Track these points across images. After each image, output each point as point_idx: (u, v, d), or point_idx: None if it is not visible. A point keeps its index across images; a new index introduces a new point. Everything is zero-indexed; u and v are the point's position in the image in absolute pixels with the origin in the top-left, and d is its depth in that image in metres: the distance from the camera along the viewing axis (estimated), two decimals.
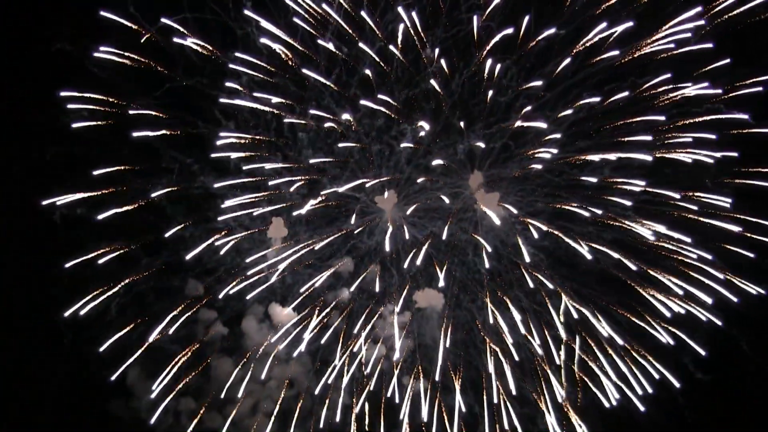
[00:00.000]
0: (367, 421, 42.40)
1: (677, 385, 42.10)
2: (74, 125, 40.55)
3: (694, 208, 41.72)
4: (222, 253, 42.49)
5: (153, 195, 41.76)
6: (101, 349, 41.44)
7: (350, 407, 42.49)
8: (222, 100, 41.47)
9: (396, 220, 43.11)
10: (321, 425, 42.52)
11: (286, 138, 42.81)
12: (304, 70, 41.61)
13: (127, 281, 41.88)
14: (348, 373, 42.39)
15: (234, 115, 42.18)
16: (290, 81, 41.93)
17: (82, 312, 40.95)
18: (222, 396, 42.66)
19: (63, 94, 40.51)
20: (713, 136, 41.20)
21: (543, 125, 41.96)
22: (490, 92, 42.30)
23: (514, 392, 42.40)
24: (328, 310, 43.52)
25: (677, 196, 41.64)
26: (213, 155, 41.82)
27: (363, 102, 41.79)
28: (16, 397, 43.27)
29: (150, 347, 41.86)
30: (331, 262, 43.55)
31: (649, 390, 42.13)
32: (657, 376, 42.22)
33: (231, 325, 43.92)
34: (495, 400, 42.49)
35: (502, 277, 43.60)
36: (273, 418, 42.87)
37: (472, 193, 43.27)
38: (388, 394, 42.51)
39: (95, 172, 40.91)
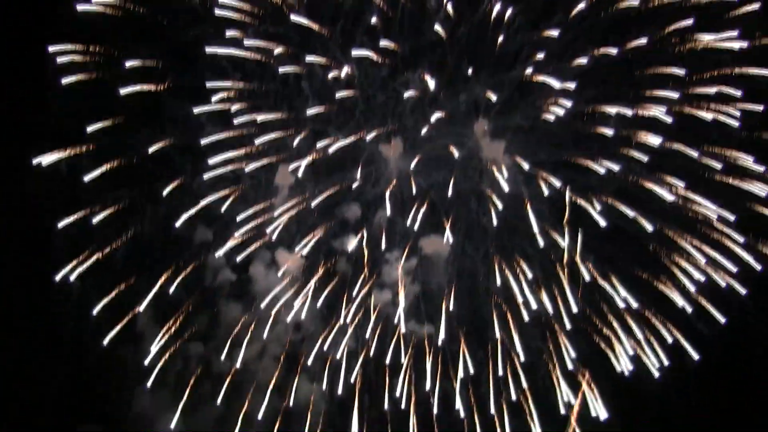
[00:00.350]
0: (372, 366, 42.97)
1: (695, 356, 41.06)
2: (64, 81, 40.42)
3: (718, 166, 40.33)
4: (228, 203, 42.90)
5: (154, 148, 41.80)
6: (106, 300, 42.11)
7: (355, 352, 43.10)
8: (222, 50, 41.27)
9: (401, 169, 43.03)
10: (327, 369, 43.24)
11: (288, 88, 42.85)
12: (306, 20, 41.35)
13: (131, 233, 42.49)
14: (352, 322, 42.95)
15: (240, 65, 42.06)
16: (293, 30, 41.63)
17: (84, 267, 41.63)
18: (230, 340, 43.42)
19: (53, 48, 40.34)
20: (738, 93, 39.79)
21: (556, 82, 41.10)
22: (500, 38, 41.50)
23: (522, 357, 42.25)
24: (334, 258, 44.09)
25: (695, 154, 40.30)
26: (214, 107, 41.85)
27: (366, 52, 41.54)
28: (16, 397, 43.84)
29: (159, 295, 42.57)
30: (337, 210, 43.86)
31: (664, 360, 41.41)
32: (670, 340, 41.42)
33: (239, 271, 44.39)
34: (501, 359, 42.51)
35: (507, 226, 42.99)
36: (280, 362, 43.78)
37: (477, 141, 42.69)
38: (389, 359, 42.82)
39: (89, 129, 40.99)
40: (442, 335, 42.23)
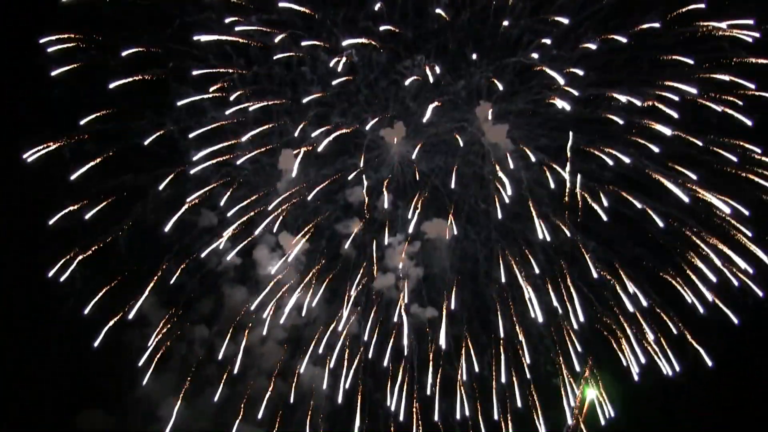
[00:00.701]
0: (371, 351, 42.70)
1: (709, 363, 39.69)
2: (56, 71, 39.88)
3: (733, 158, 39.31)
4: (231, 189, 43.09)
5: (152, 138, 41.48)
6: (107, 288, 41.82)
7: (358, 337, 42.95)
8: (215, 37, 41.40)
9: (403, 154, 43.25)
10: (330, 352, 42.92)
11: (291, 74, 42.87)
12: (296, 6, 41.54)
13: (133, 221, 42.33)
14: (350, 305, 42.89)
15: (243, 51, 42.15)
16: (294, 15, 41.71)
17: (86, 255, 41.37)
18: (234, 324, 43.44)
19: (44, 39, 39.72)
20: (752, 85, 39.10)
21: (560, 68, 40.78)
22: (504, 23, 41.45)
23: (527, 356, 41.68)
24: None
25: (706, 145, 39.49)
26: (215, 94, 42.08)
27: (367, 39, 41.72)
28: (17, 397, 43.65)
29: (163, 280, 42.59)
30: (340, 194, 44.14)
31: (675, 364, 40.16)
32: (675, 331, 40.38)
33: (243, 255, 44.37)
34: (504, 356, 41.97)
35: (512, 217, 42.63)
36: (283, 346, 44.03)
37: (479, 126, 42.67)
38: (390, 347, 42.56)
39: (85, 120, 40.66)
40: (443, 340, 41.90)
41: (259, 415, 42.48)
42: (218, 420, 43.19)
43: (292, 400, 42.73)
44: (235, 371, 42.88)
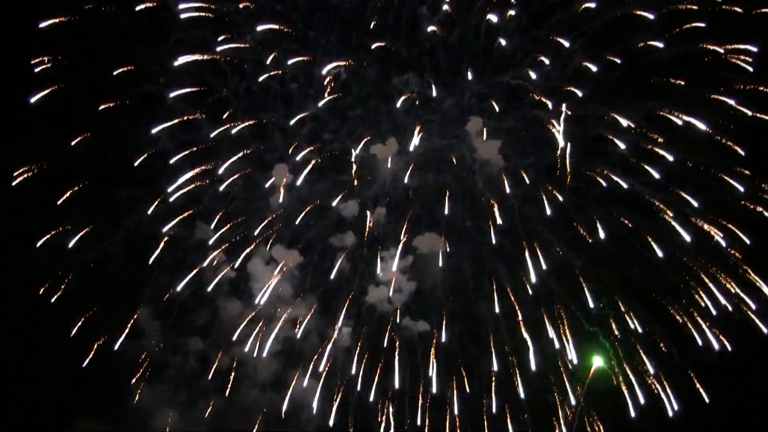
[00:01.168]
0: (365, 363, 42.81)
1: (707, 399, 38.98)
2: (39, 95, 39.93)
3: (741, 189, 38.28)
4: (225, 204, 43.50)
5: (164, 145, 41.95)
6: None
7: (351, 350, 43.16)
8: (210, 57, 41.81)
9: (394, 170, 43.42)
10: (324, 365, 43.04)
11: (284, 90, 43.18)
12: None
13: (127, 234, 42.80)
14: (342, 318, 43.18)
15: (238, 68, 42.52)
16: (289, 36, 42.23)
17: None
18: (228, 336, 43.88)
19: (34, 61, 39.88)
20: (748, 112, 38.28)
21: (550, 92, 40.82)
22: (497, 42, 41.37)
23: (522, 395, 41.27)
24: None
25: (690, 164, 38.85)
26: (207, 113, 42.55)
27: (353, 62, 42.17)
28: (16, 397, 43.94)
29: (158, 293, 43.41)
30: (333, 210, 44.26)
31: (675, 404, 39.26)
32: (667, 350, 40.04)
33: (238, 268, 44.49)
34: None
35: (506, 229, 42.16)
36: (277, 359, 44.20)
37: (471, 141, 42.73)
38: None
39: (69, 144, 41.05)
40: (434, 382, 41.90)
41: (254, 430, 43.03)
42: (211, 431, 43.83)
43: (284, 413, 42.91)
44: (229, 383, 43.50)
